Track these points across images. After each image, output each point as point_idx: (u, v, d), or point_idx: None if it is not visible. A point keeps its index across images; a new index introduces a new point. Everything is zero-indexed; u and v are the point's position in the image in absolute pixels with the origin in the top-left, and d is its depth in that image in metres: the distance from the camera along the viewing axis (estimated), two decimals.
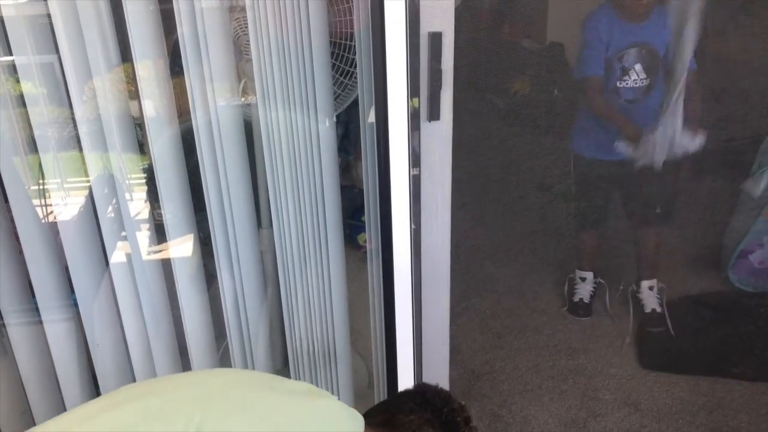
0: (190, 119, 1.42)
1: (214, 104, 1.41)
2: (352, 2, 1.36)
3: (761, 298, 2.49)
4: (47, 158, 1.46)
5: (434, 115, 1.44)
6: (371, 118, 1.33)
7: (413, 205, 1.38)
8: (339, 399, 0.98)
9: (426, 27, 1.36)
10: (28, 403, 1.68)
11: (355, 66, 1.41)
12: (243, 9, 1.37)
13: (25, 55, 1.38)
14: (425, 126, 1.45)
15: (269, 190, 1.49)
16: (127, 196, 1.50)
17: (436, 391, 1.04)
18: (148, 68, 1.39)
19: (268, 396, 0.93)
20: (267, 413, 0.89)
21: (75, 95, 1.39)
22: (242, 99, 1.49)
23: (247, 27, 1.36)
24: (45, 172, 1.48)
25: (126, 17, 1.32)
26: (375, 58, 1.25)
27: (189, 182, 1.52)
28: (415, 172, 1.40)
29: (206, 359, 1.67)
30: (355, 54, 1.40)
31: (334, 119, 1.46)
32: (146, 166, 1.51)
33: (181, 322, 1.61)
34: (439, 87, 1.42)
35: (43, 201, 1.53)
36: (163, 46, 1.40)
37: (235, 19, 1.43)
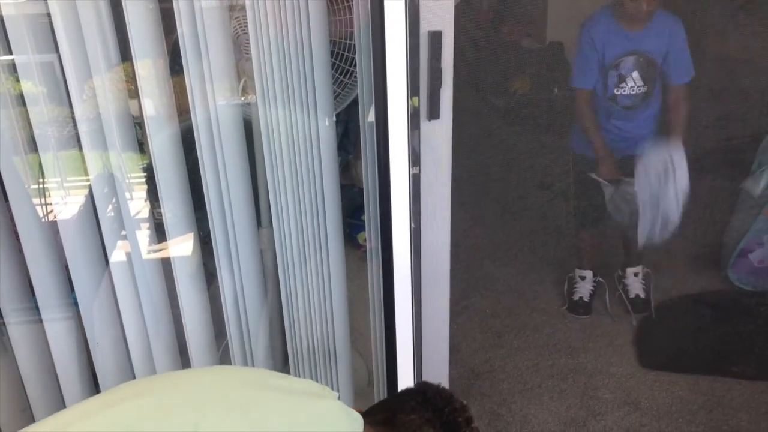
0: (190, 118, 1.42)
1: (214, 103, 1.41)
2: (352, 1, 1.36)
3: (761, 297, 2.49)
4: (47, 157, 1.46)
5: (434, 114, 1.44)
6: (371, 117, 1.33)
7: (413, 204, 1.37)
8: (339, 396, 0.98)
9: (426, 26, 1.36)
10: (28, 402, 1.68)
11: (355, 65, 1.41)
12: (243, 8, 1.37)
13: (25, 54, 1.38)
14: (425, 125, 1.45)
15: (269, 189, 1.49)
16: (127, 195, 1.50)
17: (437, 390, 1.03)
18: (148, 67, 1.39)
19: (267, 396, 0.93)
20: (266, 414, 0.89)
21: (75, 94, 1.39)
22: (242, 98, 1.49)
23: (246, 26, 1.36)
24: (45, 171, 1.48)
25: (126, 16, 1.32)
26: (375, 57, 1.25)
27: (189, 181, 1.52)
28: (415, 171, 1.40)
29: (206, 358, 1.67)
30: (354, 53, 1.40)
31: (334, 118, 1.46)
32: (146, 165, 1.51)
33: (181, 321, 1.61)
34: (439, 86, 1.42)
35: (43, 200, 1.53)
36: (162, 45, 1.40)
37: (235, 18, 1.43)
